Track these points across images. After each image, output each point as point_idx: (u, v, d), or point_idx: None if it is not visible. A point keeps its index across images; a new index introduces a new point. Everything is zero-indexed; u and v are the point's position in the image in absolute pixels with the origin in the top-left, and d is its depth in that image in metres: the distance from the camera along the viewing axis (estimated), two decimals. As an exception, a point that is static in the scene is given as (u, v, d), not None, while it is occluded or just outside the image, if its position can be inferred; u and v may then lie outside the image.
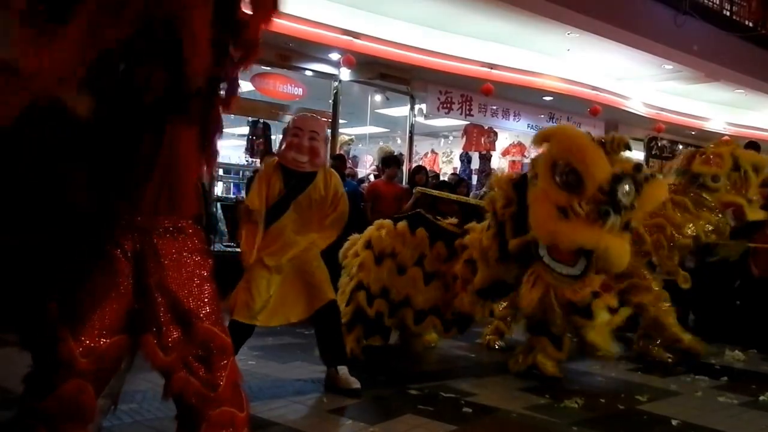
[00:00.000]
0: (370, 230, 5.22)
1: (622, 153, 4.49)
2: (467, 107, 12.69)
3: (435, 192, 5.08)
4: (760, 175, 5.91)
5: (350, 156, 13.41)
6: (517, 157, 15.16)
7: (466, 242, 4.96)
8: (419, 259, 5.05)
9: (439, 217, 5.37)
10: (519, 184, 4.64)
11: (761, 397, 4.65)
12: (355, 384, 4.10)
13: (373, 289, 4.95)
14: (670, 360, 5.70)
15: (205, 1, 2.02)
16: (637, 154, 16.12)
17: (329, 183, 4.15)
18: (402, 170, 10.67)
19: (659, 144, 16.20)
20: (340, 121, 11.40)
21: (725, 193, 5.82)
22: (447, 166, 15.00)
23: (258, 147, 10.34)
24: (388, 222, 5.20)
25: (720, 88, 14.14)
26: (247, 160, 10.74)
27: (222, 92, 2.27)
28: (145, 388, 3.71)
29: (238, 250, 4.20)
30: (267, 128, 10.71)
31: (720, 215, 5.81)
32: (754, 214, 5.84)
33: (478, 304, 4.86)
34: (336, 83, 11.01)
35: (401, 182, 9.99)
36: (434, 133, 15.33)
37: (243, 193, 9.13)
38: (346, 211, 4.25)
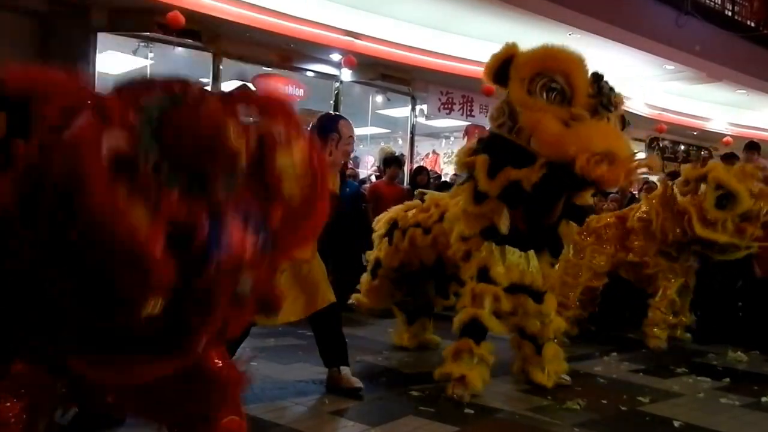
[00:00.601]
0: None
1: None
2: (468, 108, 12.69)
3: (436, 194, 5.05)
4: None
5: (351, 157, 13.39)
6: (519, 158, 15.15)
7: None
8: None
9: None
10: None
11: (763, 399, 4.63)
12: (358, 383, 4.10)
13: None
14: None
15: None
16: (638, 154, 16.07)
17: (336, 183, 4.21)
18: (403, 171, 10.67)
19: (661, 144, 16.19)
20: (342, 121, 11.38)
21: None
22: (448, 167, 14.97)
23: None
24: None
25: (722, 89, 14.12)
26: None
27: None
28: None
29: None
30: (268, 129, 10.71)
31: None
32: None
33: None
34: (337, 84, 11.02)
35: (402, 183, 9.99)
36: (435, 134, 15.32)
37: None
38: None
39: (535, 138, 3.89)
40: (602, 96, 3.99)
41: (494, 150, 4.14)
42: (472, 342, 4.20)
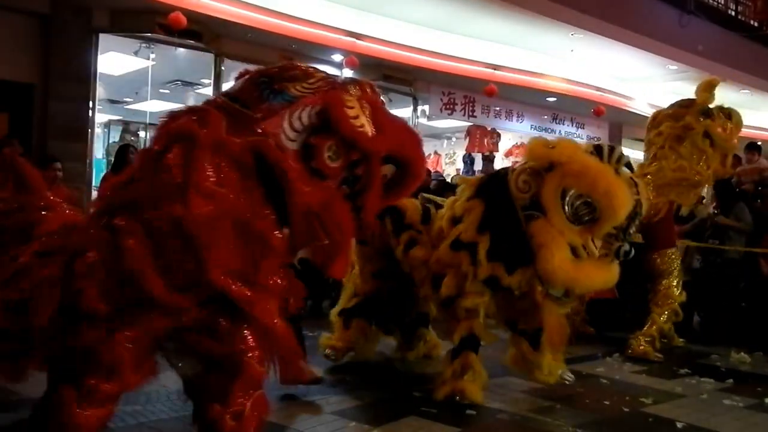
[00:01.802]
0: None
1: (622, 167, 4.08)
2: (470, 108, 12.68)
3: (439, 199, 4.93)
4: None
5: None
6: (521, 158, 15.11)
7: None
8: None
9: None
10: (490, 187, 4.15)
11: (767, 400, 4.62)
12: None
13: None
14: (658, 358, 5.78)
15: None
16: (641, 155, 16.05)
17: None
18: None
19: (663, 145, 16.13)
20: (344, 122, 11.38)
21: None
22: (450, 168, 14.97)
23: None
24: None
25: (725, 89, 14.04)
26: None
27: None
28: (149, 390, 3.70)
29: None
30: (270, 129, 10.71)
31: None
32: None
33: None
34: (339, 84, 11.00)
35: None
36: (437, 135, 15.31)
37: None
38: None
39: (541, 254, 3.77)
40: (626, 234, 4.10)
41: (496, 211, 4.04)
42: (473, 355, 4.14)
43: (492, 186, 4.14)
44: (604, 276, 3.90)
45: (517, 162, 14.89)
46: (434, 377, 4.35)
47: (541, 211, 3.80)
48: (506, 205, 3.96)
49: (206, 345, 2.19)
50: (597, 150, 3.97)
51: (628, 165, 4.22)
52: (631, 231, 4.10)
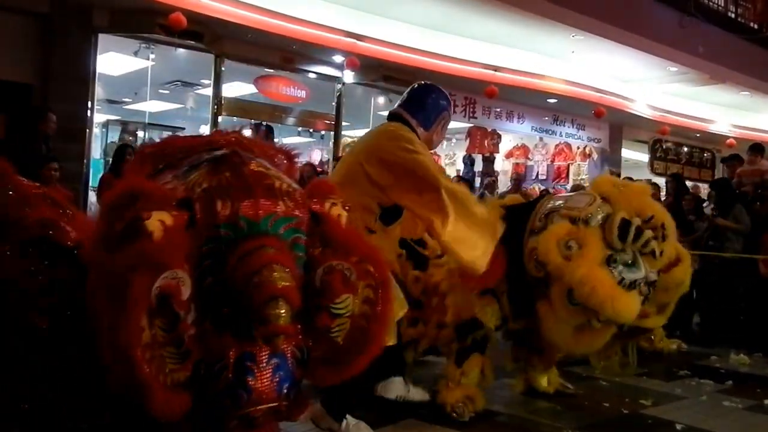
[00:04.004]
0: None
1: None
2: (471, 109, 12.68)
3: None
4: None
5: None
6: (521, 160, 15.14)
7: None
8: None
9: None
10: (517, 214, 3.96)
11: (766, 401, 4.62)
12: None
13: None
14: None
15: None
16: (641, 156, 16.10)
17: None
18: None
19: (664, 146, 16.14)
20: (343, 123, 11.39)
21: None
22: (450, 169, 14.95)
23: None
24: None
25: (725, 90, 14.09)
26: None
27: None
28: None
29: None
30: (270, 131, 10.69)
31: None
32: None
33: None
34: (339, 85, 11.01)
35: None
36: (438, 135, 15.27)
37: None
38: None
39: (545, 328, 3.75)
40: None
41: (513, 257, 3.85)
42: (482, 357, 4.01)
43: (513, 228, 3.85)
44: (601, 341, 3.83)
45: (518, 163, 14.82)
46: (433, 378, 4.33)
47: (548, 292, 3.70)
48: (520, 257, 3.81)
49: None
50: (621, 230, 3.63)
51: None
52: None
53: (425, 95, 3.62)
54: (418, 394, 3.87)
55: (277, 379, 1.67)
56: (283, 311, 1.56)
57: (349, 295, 1.76)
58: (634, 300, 3.56)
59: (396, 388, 3.75)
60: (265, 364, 1.65)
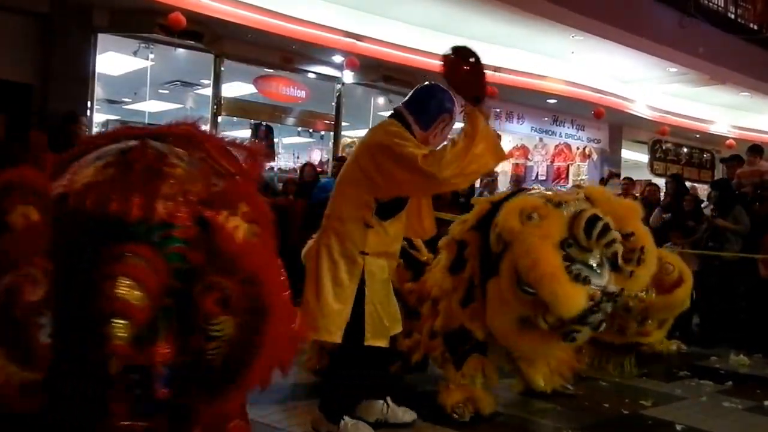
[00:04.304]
0: None
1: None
2: (470, 110, 12.64)
3: (440, 215, 4.78)
4: None
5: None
6: (521, 160, 15.12)
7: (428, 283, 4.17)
8: None
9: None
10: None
11: (766, 402, 4.61)
12: None
13: None
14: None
15: None
16: (641, 157, 16.09)
17: None
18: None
19: (664, 147, 16.14)
20: (343, 123, 11.39)
21: None
22: (450, 169, 14.93)
23: (260, 150, 10.31)
24: None
25: (725, 91, 14.09)
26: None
27: None
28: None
29: None
30: (270, 131, 10.70)
31: None
32: None
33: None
34: (339, 86, 11.01)
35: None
36: (437, 136, 15.27)
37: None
38: None
39: (488, 308, 3.65)
40: (583, 322, 3.51)
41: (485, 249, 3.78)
42: (482, 358, 3.94)
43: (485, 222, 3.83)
44: (551, 346, 3.72)
45: (517, 164, 14.82)
46: (433, 380, 4.33)
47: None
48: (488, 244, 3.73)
49: None
50: (589, 224, 3.46)
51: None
52: (589, 322, 3.48)
53: (428, 95, 3.59)
54: (404, 414, 3.72)
55: (132, 399, 1.55)
56: (118, 330, 1.45)
57: (227, 318, 1.57)
58: (577, 292, 3.34)
59: (376, 411, 3.65)
60: (119, 381, 1.53)
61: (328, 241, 3.40)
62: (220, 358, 1.59)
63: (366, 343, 3.35)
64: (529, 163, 15.25)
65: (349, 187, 3.42)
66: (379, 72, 10.86)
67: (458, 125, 3.55)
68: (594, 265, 3.47)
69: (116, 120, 11.39)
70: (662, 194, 9.37)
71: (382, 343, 3.42)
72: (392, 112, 3.64)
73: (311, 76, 10.78)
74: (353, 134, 13.54)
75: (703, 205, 8.21)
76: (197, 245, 1.60)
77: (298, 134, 12.96)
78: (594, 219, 3.45)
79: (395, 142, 3.28)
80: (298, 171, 9.74)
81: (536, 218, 3.49)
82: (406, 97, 3.64)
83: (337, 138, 11.24)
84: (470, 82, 3.45)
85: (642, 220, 3.99)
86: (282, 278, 1.73)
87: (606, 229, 3.44)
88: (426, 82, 3.68)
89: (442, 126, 3.58)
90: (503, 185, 13.18)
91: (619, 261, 3.53)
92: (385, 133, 3.40)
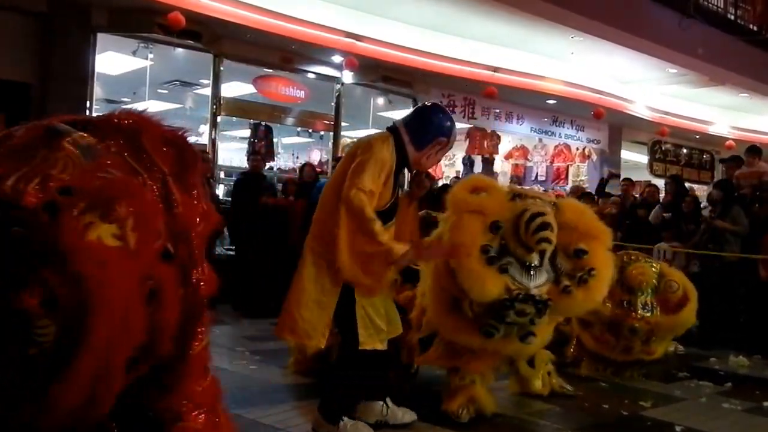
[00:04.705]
0: None
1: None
2: (470, 110, 12.66)
3: (441, 215, 4.76)
4: None
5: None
6: (520, 161, 15.14)
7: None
8: None
9: None
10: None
11: (765, 403, 4.61)
12: None
13: None
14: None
15: None
16: (641, 158, 16.10)
17: None
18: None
19: (663, 148, 16.14)
20: (342, 123, 11.38)
21: None
22: (449, 170, 14.95)
23: (260, 150, 10.32)
24: None
25: (724, 92, 14.09)
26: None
27: None
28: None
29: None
30: (269, 131, 10.69)
31: None
32: None
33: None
34: (338, 86, 11.00)
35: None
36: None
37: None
38: None
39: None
40: (502, 319, 3.56)
41: None
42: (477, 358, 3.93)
43: None
44: (471, 338, 3.69)
45: (517, 164, 14.85)
46: (433, 380, 4.32)
47: None
48: None
49: None
50: (530, 219, 3.48)
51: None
52: (511, 320, 3.49)
53: (428, 116, 3.59)
54: (403, 415, 3.73)
55: None
56: None
57: (50, 323, 1.34)
58: (490, 276, 3.39)
59: (376, 412, 3.65)
60: None
61: (313, 244, 3.41)
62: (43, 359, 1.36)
63: (360, 348, 3.35)
64: (529, 164, 15.26)
65: (333, 194, 3.40)
66: (378, 72, 10.85)
67: (458, 125, 3.52)
68: (530, 264, 3.51)
69: (115, 120, 11.35)
70: (662, 195, 9.39)
71: (378, 346, 3.41)
72: (391, 125, 3.63)
73: (311, 76, 10.77)
74: (353, 134, 13.54)
75: (702, 206, 8.21)
76: (37, 233, 1.38)
77: (298, 134, 12.94)
78: (538, 215, 3.47)
79: (365, 157, 3.30)
80: (298, 171, 9.74)
81: (483, 195, 3.56)
82: (407, 114, 3.65)
83: (336, 138, 11.23)
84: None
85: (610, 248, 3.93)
86: (133, 293, 1.47)
87: (544, 227, 3.45)
88: (429, 102, 3.67)
89: (437, 149, 3.57)
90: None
91: (544, 262, 3.54)
92: (367, 145, 3.40)
